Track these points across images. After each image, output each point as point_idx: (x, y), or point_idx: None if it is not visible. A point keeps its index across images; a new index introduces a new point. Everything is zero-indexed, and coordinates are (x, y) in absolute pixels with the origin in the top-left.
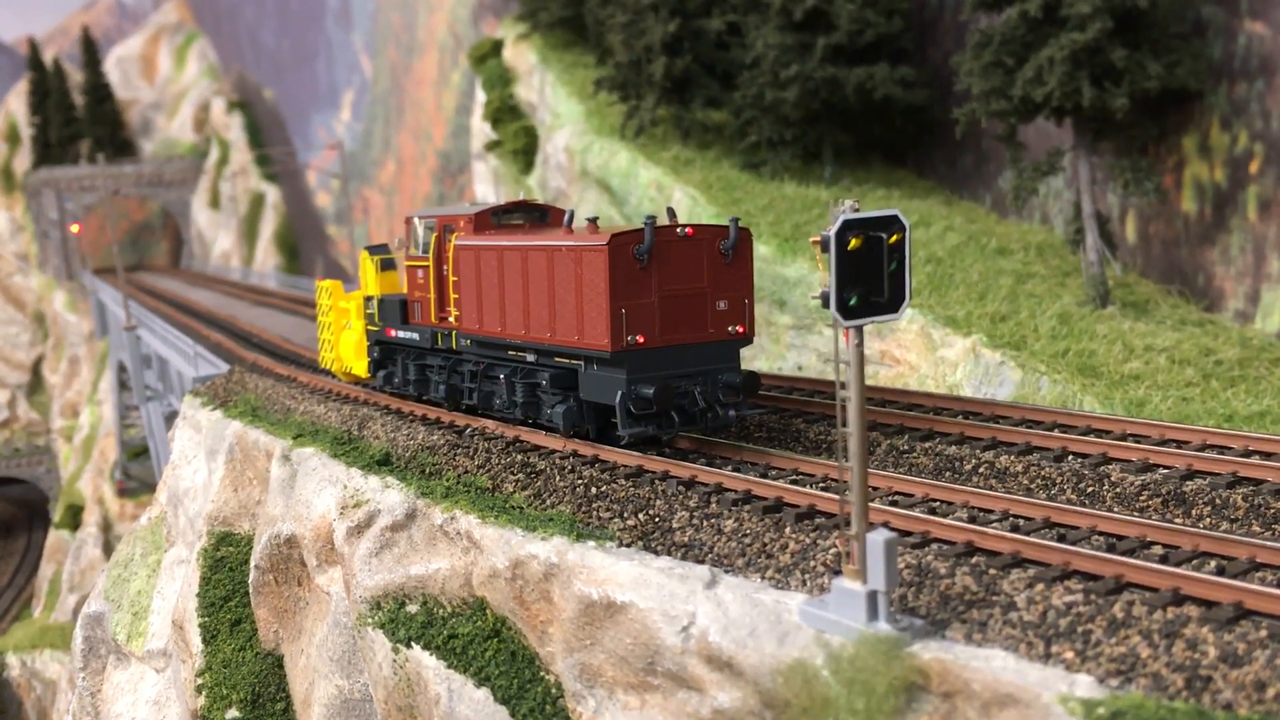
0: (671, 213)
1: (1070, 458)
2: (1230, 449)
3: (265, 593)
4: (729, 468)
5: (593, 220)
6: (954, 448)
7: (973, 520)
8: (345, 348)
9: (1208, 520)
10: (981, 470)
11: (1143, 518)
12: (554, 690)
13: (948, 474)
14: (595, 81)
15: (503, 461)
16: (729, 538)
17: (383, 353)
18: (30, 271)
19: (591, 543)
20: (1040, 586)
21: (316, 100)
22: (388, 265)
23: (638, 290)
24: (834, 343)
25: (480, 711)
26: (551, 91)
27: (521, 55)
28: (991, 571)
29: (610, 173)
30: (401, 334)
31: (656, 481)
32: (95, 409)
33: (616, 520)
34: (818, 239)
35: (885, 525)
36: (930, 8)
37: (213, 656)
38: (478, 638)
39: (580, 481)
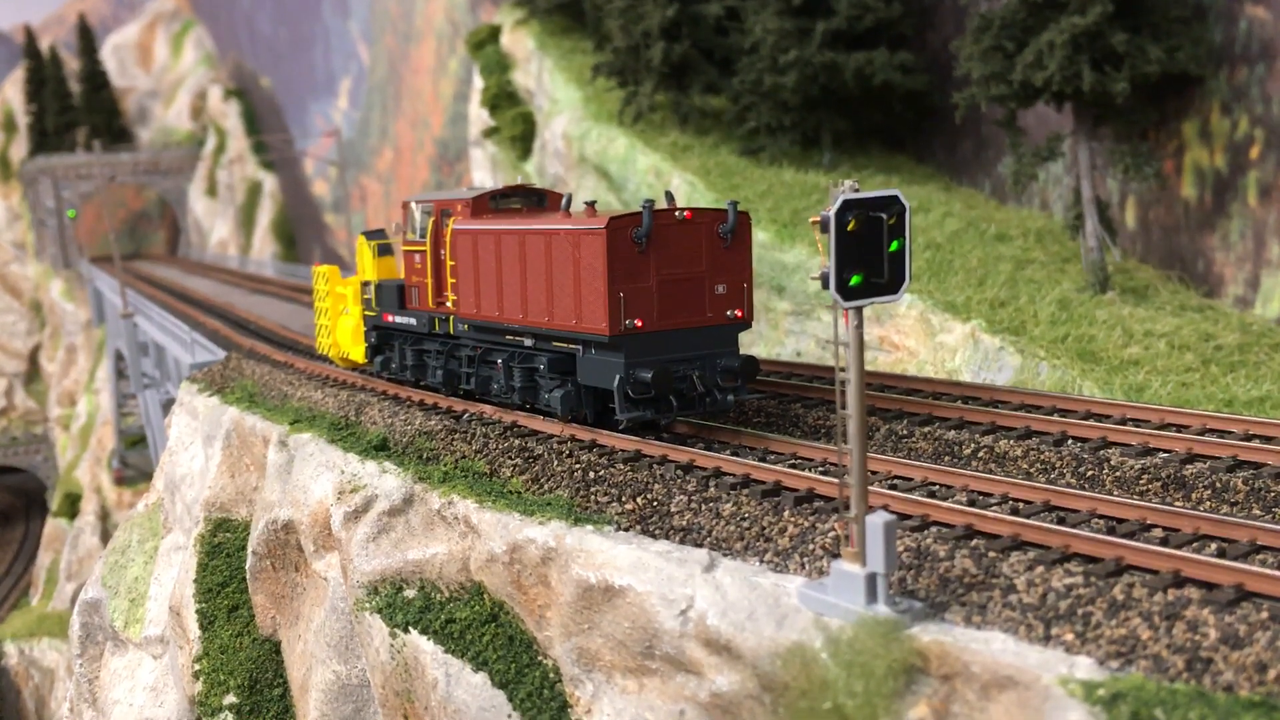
0: (670, 197)
1: (1070, 442)
2: (1230, 433)
3: (262, 578)
4: (727, 452)
5: (590, 204)
6: (953, 432)
7: (972, 503)
8: (342, 333)
9: (1208, 503)
10: (981, 454)
11: (1143, 501)
12: (552, 674)
13: (947, 458)
14: (593, 67)
15: (500, 446)
16: (727, 521)
17: (380, 338)
18: (27, 260)
19: (589, 527)
20: (1040, 569)
21: (314, 88)
22: (385, 250)
23: (636, 274)
24: (833, 325)
25: (478, 695)
26: (549, 77)
27: (519, 41)
28: (991, 554)
29: (608, 159)
30: (399, 319)
31: (654, 465)
32: (92, 397)
33: (614, 504)
34: (817, 219)
35: (884, 508)
36: None
37: (210, 642)
38: (475, 622)
39: (578, 466)
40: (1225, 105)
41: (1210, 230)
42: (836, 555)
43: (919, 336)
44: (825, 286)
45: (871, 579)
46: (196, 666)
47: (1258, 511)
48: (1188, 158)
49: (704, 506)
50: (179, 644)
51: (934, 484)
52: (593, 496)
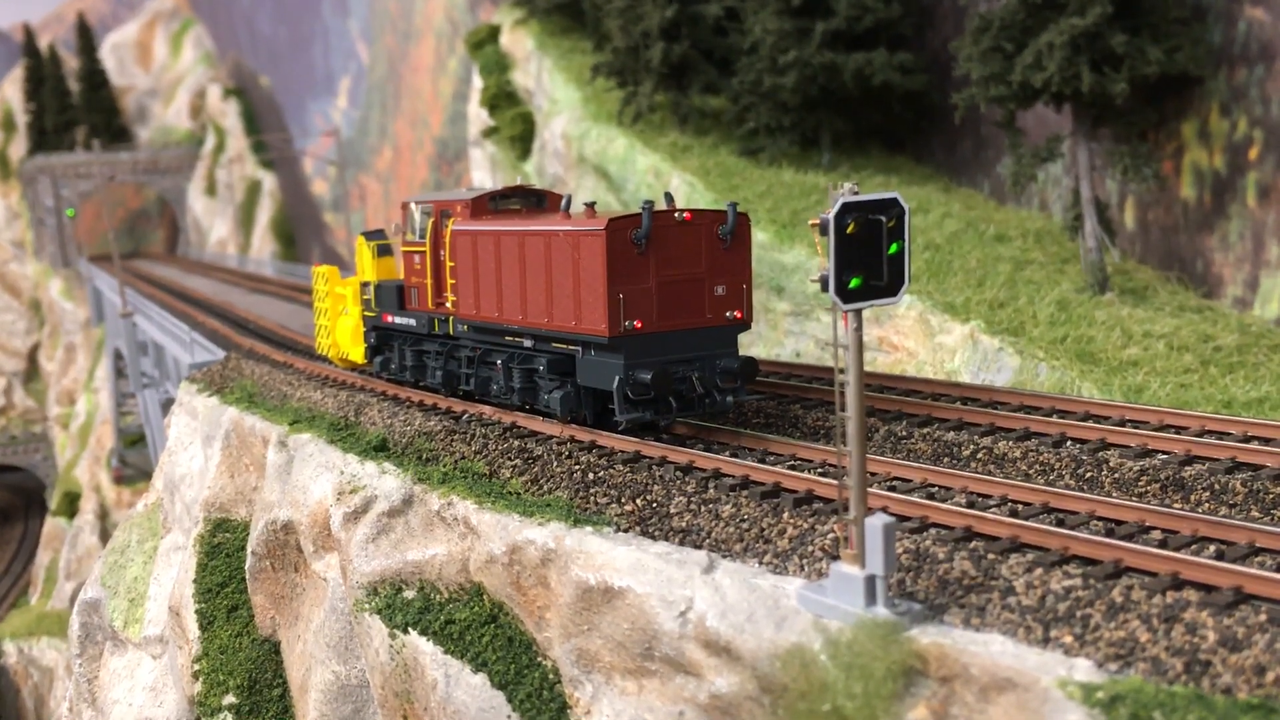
0: (669, 198)
1: (1069, 443)
2: (1229, 434)
3: (262, 579)
4: (727, 453)
5: (590, 205)
6: (952, 433)
7: (971, 505)
8: (342, 333)
9: (1206, 505)
10: (980, 456)
11: (1141, 503)
12: (551, 675)
13: (946, 459)
14: (592, 67)
15: (500, 447)
16: (727, 523)
17: (379, 338)
18: (26, 259)
19: (589, 528)
20: (1039, 571)
21: (313, 87)
22: (384, 251)
23: (635, 275)
24: (833, 327)
25: (477, 697)
26: (549, 77)
27: (519, 41)
28: (990, 556)
29: (608, 159)
30: (398, 320)
31: (654, 466)
32: (92, 396)
33: (614, 505)
34: (816, 221)
35: (883, 510)
36: None
37: (209, 643)
38: (475, 623)
39: (577, 467)
40: (1224, 106)
41: (1209, 231)
42: (836, 557)
43: (918, 337)
44: (824, 289)
45: (870, 581)
46: (196, 667)
47: (1256, 513)
48: (1187, 159)
49: (703, 508)
50: (178, 644)
51: (933, 485)
52: (592, 498)
